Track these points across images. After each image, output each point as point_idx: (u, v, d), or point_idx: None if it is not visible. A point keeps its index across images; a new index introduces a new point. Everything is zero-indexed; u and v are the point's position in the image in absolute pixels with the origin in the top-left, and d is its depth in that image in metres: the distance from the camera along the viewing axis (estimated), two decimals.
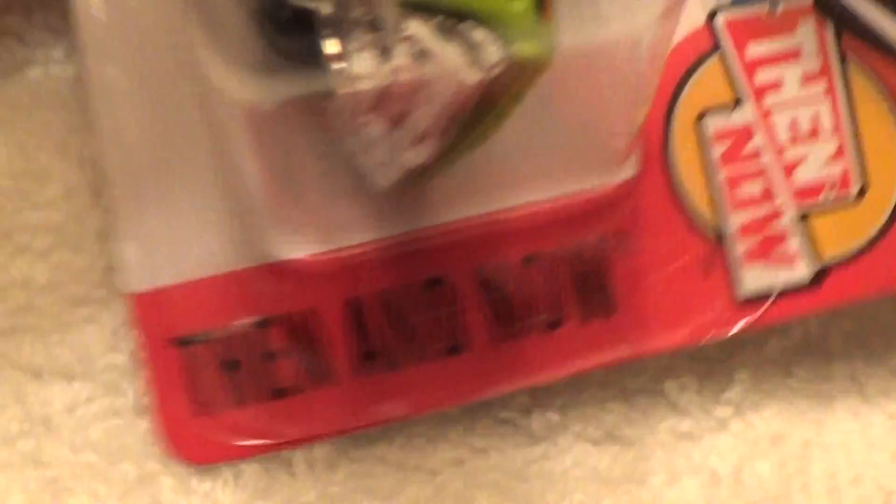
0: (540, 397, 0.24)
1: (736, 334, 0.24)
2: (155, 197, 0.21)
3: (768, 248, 0.23)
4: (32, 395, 0.23)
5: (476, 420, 0.24)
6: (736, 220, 0.23)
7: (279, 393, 0.22)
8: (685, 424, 0.25)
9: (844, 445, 0.25)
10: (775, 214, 0.23)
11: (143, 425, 0.23)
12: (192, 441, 0.22)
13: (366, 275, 0.21)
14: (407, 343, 0.22)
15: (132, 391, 0.23)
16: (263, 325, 0.21)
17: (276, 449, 0.22)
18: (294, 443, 0.22)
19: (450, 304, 0.22)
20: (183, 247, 0.21)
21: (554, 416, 0.24)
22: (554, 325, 0.23)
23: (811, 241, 0.23)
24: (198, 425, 0.22)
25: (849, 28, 0.23)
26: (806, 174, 0.23)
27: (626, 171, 0.22)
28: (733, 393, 0.25)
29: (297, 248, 0.21)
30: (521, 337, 0.22)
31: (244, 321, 0.21)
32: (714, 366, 0.25)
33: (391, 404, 0.22)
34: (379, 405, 0.22)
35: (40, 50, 0.24)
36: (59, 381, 0.24)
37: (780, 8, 0.23)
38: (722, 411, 0.25)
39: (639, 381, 0.25)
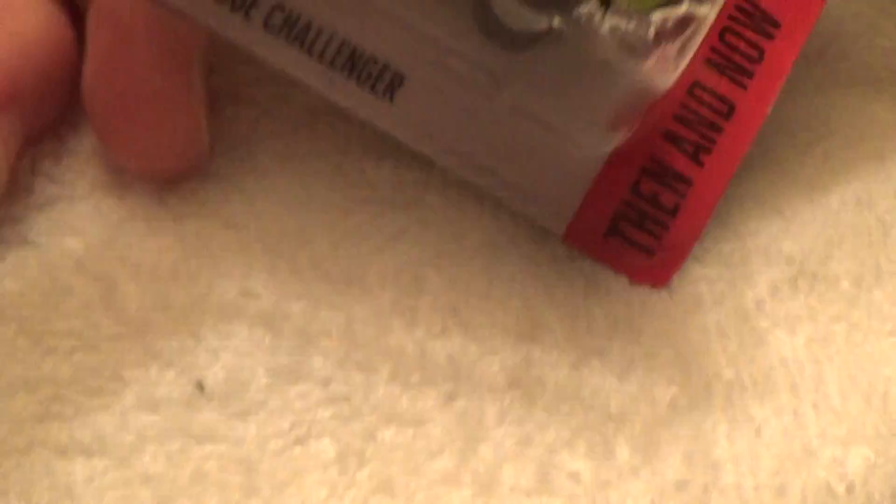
0: (480, 454, 0.29)
1: None
2: (519, 170, 0.30)
3: None
4: (59, 469, 0.27)
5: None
6: None
7: (670, 216, 0.31)
8: (604, 473, 0.29)
9: (738, 487, 0.29)
10: None
11: (146, 494, 0.28)
12: (653, 274, 0.31)
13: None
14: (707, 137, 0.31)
15: (140, 464, 0.28)
16: (633, 188, 0.31)
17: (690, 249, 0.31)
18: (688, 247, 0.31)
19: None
20: (557, 192, 0.30)
21: (489, 472, 0.29)
22: (770, 36, 0.32)
23: None
24: (650, 265, 0.31)
25: None
26: None
27: None
28: (642, 444, 0.29)
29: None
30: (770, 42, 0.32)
31: (624, 194, 0.30)
32: (621, 425, 0.29)
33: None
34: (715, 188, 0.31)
35: (66, 188, 0.29)
36: (81, 457, 0.27)
37: None
38: (634, 460, 0.29)
39: (559, 440, 0.29)
